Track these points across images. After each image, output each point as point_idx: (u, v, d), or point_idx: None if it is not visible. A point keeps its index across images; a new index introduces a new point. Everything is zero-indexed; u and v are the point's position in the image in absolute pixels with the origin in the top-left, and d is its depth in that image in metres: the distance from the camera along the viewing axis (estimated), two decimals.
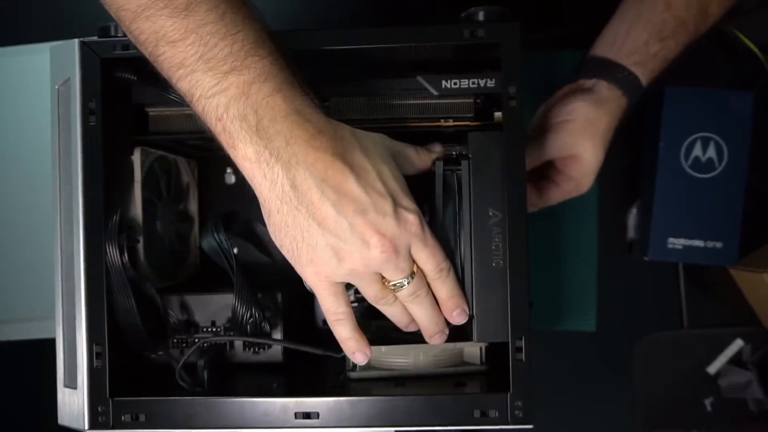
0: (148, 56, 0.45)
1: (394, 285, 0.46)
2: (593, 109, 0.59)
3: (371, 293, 0.46)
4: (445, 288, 0.48)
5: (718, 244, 0.67)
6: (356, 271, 0.44)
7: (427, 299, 0.48)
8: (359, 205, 0.42)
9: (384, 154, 0.45)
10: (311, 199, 0.42)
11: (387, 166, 0.45)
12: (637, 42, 0.60)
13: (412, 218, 0.44)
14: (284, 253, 0.45)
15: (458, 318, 0.49)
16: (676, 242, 0.68)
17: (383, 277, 0.46)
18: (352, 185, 0.42)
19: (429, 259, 0.46)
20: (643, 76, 0.59)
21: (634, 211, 0.73)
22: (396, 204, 0.43)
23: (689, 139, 0.67)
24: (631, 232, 0.73)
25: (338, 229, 0.42)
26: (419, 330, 0.50)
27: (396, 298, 0.47)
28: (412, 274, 0.46)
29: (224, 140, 0.43)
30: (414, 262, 0.46)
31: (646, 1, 0.61)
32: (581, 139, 0.59)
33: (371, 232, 0.42)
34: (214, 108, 0.42)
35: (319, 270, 0.44)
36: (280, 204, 0.43)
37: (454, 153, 0.52)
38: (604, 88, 0.60)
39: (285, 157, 0.41)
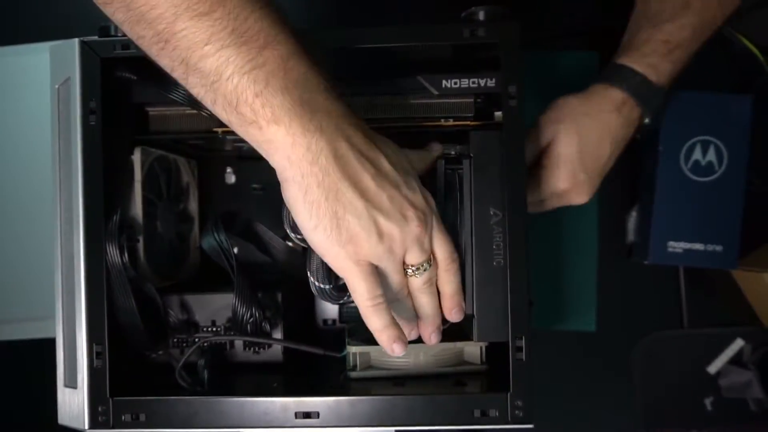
0: (155, 36, 0.41)
1: (414, 270, 0.46)
2: (572, 99, 0.59)
3: (394, 281, 0.46)
4: (453, 282, 0.48)
5: (718, 248, 0.67)
6: (393, 249, 0.44)
7: (435, 290, 0.48)
8: (393, 180, 0.44)
9: (395, 146, 0.47)
10: (354, 169, 0.42)
11: (402, 155, 0.46)
12: (627, 38, 0.60)
13: (430, 198, 0.46)
14: (319, 234, 0.43)
15: (456, 315, 0.49)
16: (676, 246, 0.68)
17: (404, 264, 0.46)
18: (384, 162, 0.43)
19: (444, 245, 0.47)
20: (634, 62, 0.58)
21: (633, 214, 0.73)
22: (420, 184, 0.46)
23: (689, 143, 0.67)
24: (630, 236, 0.73)
25: (380, 202, 0.43)
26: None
27: (407, 293, 0.47)
28: (429, 260, 0.46)
29: (263, 116, 0.40)
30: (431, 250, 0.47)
31: (643, 0, 0.61)
32: (553, 125, 0.59)
33: (407, 205, 0.44)
34: (251, 83, 0.40)
35: (359, 248, 0.43)
36: (322, 177, 0.41)
37: (453, 152, 0.53)
38: (592, 87, 0.60)
39: (329, 129, 0.41)
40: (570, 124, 0.58)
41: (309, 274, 0.50)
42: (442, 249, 0.47)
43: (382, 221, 0.43)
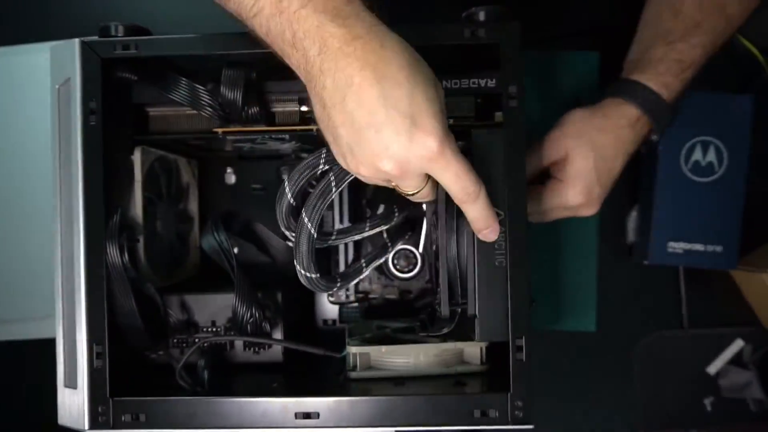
0: None
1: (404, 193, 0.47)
2: (585, 113, 0.59)
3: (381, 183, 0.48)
4: (473, 210, 0.47)
5: (718, 248, 0.67)
6: (370, 177, 0.45)
7: (432, 194, 0.48)
8: (375, 119, 0.42)
9: (428, 77, 0.43)
10: (334, 102, 0.42)
11: (423, 87, 0.42)
12: (640, 53, 0.60)
13: (429, 143, 0.42)
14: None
15: (488, 236, 0.48)
16: (677, 246, 0.67)
17: None
18: (373, 98, 0.42)
19: (453, 183, 0.45)
20: (649, 81, 0.58)
21: (634, 214, 0.73)
22: (414, 126, 0.42)
23: (689, 143, 0.67)
24: (631, 236, 0.73)
25: (353, 138, 0.43)
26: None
27: None
28: (419, 186, 0.46)
29: (278, 53, 0.45)
30: (428, 178, 0.46)
31: (654, 15, 0.61)
32: (568, 139, 0.59)
33: (379, 150, 0.42)
34: (258, 27, 0.44)
35: (349, 164, 0.45)
36: (315, 105, 0.44)
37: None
38: (606, 101, 0.60)
39: (318, 64, 0.42)
40: (585, 140, 0.58)
41: (296, 263, 0.50)
42: (449, 187, 0.45)
43: (356, 155, 0.44)
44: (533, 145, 0.60)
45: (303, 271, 0.50)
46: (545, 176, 0.61)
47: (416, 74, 0.42)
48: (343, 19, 0.42)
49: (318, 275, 0.51)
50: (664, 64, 0.58)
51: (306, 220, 0.49)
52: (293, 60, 0.44)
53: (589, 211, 0.60)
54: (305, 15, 0.42)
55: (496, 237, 0.48)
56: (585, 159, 0.58)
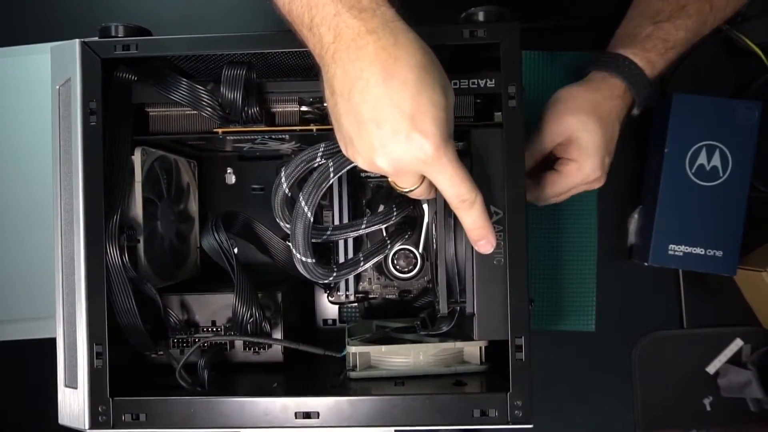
0: None
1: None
2: (578, 88, 0.60)
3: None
4: (467, 218, 0.47)
5: (719, 253, 0.67)
6: (366, 168, 0.45)
7: (429, 193, 0.48)
8: (376, 116, 0.42)
9: (438, 81, 0.43)
10: (342, 91, 0.43)
11: (430, 90, 0.42)
12: (628, 30, 0.62)
13: (426, 146, 0.42)
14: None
15: (483, 248, 0.48)
16: (677, 249, 0.67)
17: None
18: (378, 94, 0.42)
19: (447, 188, 0.45)
20: (636, 56, 0.59)
21: (635, 216, 0.73)
22: (414, 127, 0.42)
23: (694, 147, 0.67)
24: (632, 237, 0.73)
25: (354, 129, 0.43)
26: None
27: None
28: (413, 185, 0.47)
29: (298, 34, 0.46)
30: (423, 177, 0.46)
31: None
32: (568, 118, 0.59)
33: (377, 145, 0.43)
34: (282, 5, 0.46)
35: (348, 152, 0.46)
36: (325, 89, 0.45)
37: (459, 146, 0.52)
38: (592, 74, 0.61)
39: (331, 51, 0.43)
40: (589, 115, 0.59)
41: (292, 248, 0.50)
42: (444, 191, 0.45)
43: (353, 146, 0.44)
44: (532, 133, 0.60)
45: (299, 256, 0.50)
46: (548, 163, 0.62)
47: (426, 76, 0.42)
48: (360, 12, 0.42)
49: (314, 261, 0.51)
50: (650, 42, 0.60)
51: (303, 203, 0.49)
52: (309, 43, 0.45)
53: (601, 182, 0.61)
54: (324, 2, 0.43)
55: (491, 250, 0.48)
56: (593, 133, 0.58)
